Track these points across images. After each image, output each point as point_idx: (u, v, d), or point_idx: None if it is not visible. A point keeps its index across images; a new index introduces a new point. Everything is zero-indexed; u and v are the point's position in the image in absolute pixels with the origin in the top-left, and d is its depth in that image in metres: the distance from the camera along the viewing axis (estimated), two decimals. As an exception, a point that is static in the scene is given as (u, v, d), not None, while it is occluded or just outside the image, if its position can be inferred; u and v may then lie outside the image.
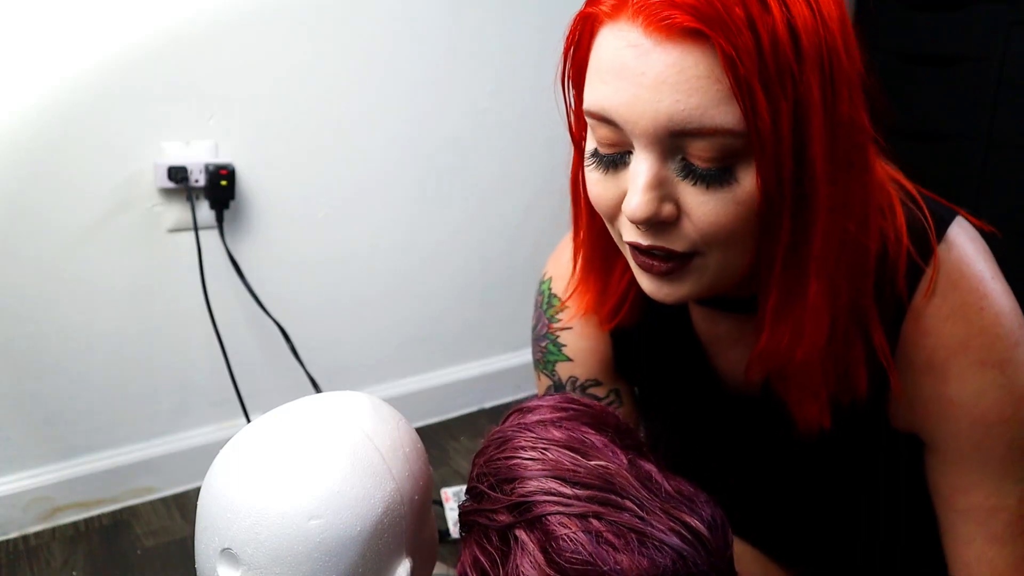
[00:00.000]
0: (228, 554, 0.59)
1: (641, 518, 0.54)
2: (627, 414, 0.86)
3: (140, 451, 1.56)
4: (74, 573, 1.37)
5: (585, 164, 0.63)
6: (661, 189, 0.57)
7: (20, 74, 1.30)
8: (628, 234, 0.62)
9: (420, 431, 0.68)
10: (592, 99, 0.59)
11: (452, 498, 1.54)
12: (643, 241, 0.60)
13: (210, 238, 1.51)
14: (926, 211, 0.67)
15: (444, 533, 1.47)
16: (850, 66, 0.56)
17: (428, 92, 1.70)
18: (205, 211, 1.49)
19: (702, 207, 0.57)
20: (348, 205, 1.67)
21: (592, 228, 0.72)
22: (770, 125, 0.53)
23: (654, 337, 0.80)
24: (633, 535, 0.54)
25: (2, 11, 1.26)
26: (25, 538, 1.45)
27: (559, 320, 0.84)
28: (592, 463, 0.57)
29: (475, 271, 1.87)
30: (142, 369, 1.52)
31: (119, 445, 1.54)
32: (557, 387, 0.86)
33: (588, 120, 0.61)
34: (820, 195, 0.56)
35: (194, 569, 0.63)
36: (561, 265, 0.84)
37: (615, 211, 0.62)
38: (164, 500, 1.57)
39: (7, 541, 1.44)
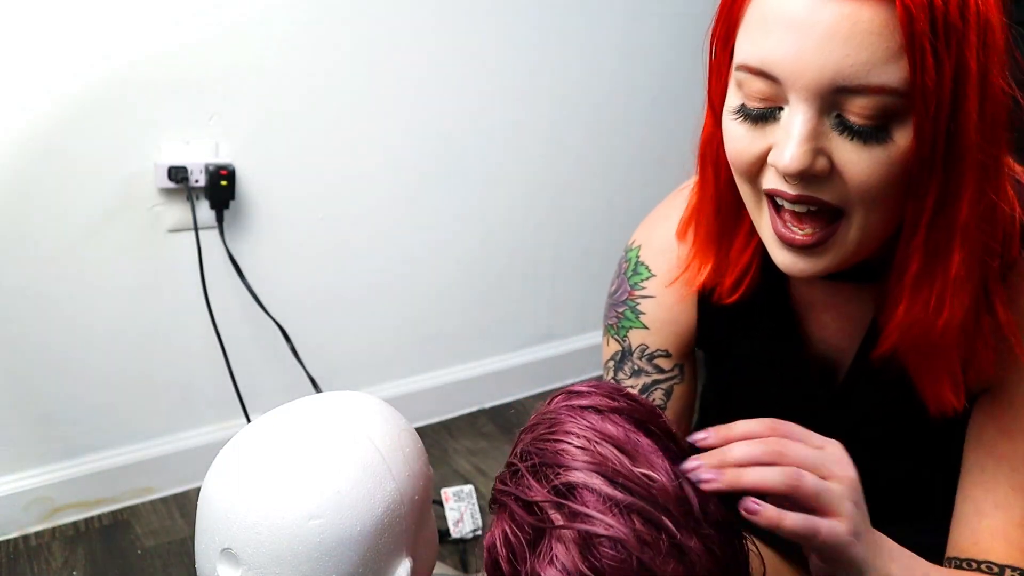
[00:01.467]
0: (228, 554, 0.59)
1: (674, 536, 0.55)
2: (685, 392, 0.86)
3: (140, 451, 1.56)
4: (74, 573, 1.37)
5: (727, 119, 0.63)
6: (816, 142, 0.57)
7: (21, 75, 1.30)
8: (770, 181, 0.61)
9: (420, 431, 0.68)
10: (751, 52, 0.59)
11: (452, 498, 1.54)
12: (790, 191, 0.60)
13: (210, 238, 1.51)
14: None
15: (444, 533, 1.47)
16: (1001, 34, 0.57)
17: (428, 92, 1.70)
18: (205, 211, 1.49)
19: (856, 164, 0.57)
20: (348, 205, 1.67)
21: (716, 197, 0.72)
22: (934, 84, 0.54)
23: (749, 304, 0.79)
24: (668, 546, 0.54)
25: (2, 12, 1.26)
26: (25, 538, 1.45)
27: (643, 288, 0.84)
28: (638, 471, 0.56)
29: (475, 271, 1.87)
30: (142, 369, 1.52)
31: (119, 445, 1.54)
32: (624, 353, 0.86)
33: (739, 76, 0.61)
34: (969, 160, 0.57)
35: (194, 569, 0.63)
36: (652, 235, 0.84)
37: (757, 167, 0.62)
38: (164, 500, 1.57)
39: (7, 541, 1.44)
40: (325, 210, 1.64)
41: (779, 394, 0.82)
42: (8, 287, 1.37)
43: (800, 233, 0.61)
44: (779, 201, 0.62)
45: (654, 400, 0.84)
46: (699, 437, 0.60)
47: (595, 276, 1.99)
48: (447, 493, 1.54)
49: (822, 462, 0.58)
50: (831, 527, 0.56)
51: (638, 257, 0.85)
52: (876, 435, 0.77)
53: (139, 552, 1.43)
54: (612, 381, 0.87)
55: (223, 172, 1.47)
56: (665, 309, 0.83)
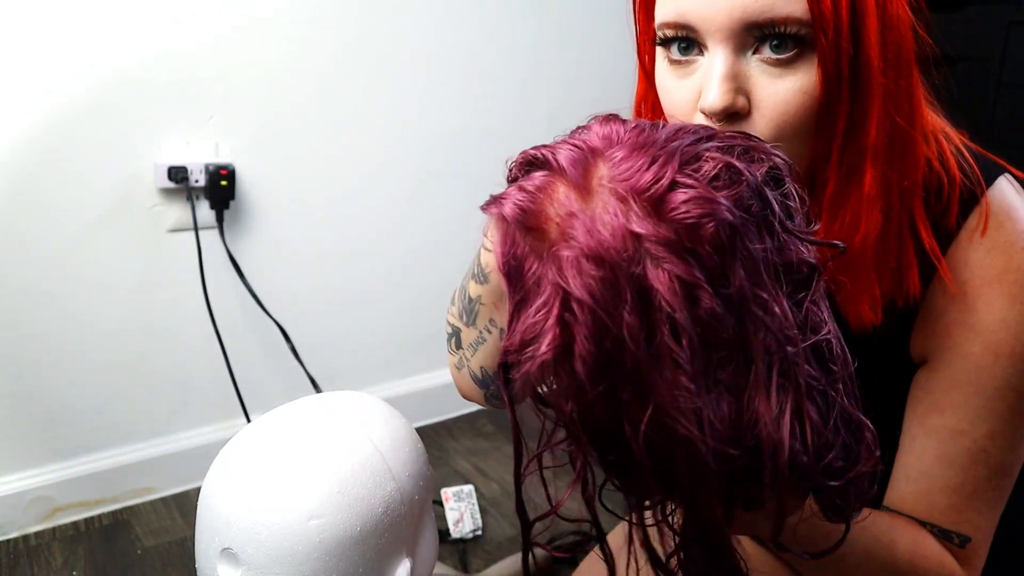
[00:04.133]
0: (228, 554, 0.59)
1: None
2: None
3: (140, 451, 1.56)
4: (74, 573, 1.37)
5: (659, 77, 0.68)
6: (735, 81, 0.62)
7: (21, 75, 1.30)
8: None
9: (420, 431, 0.68)
10: (668, 10, 0.64)
11: (452, 498, 1.54)
12: None
13: (210, 238, 1.51)
14: (971, 161, 0.71)
15: (444, 533, 1.47)
16: None
17: (427, 91, 1.70)
18: (205, 211, 1.49)
19: (773, 97, 0.62)
20: (348, 205, 1.67)
21: None
22: (831, 11, 0.58)
23: None
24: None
25: (4, 13, 1.26)
26: (25, 538, 1.45)
27: None
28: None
29: (475, 271, 1.87)
30: (142, 369, 1.52)
31: (119, 445, 1.54)
32: None
33: (661, 34, 0.66)
34: (874, 85, 0.61)
35: (194, 569, 0.63)
36: None
37: (690, 114, 0.66)
38: (164, 500, 1.57)
39: (7, 541, 1.44)
40: (325, 210, 1.64)
41: None
42: (8, 287, 1.37)
43: None
44: None
45: None
46: None
47: (595, 276, 1.99)
48: (447, 493, 1.54)
49: None
50: None
51: None
52: None
53: (139, 552, 1.43)
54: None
55: (223, 172, 1.47)
56: None
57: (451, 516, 1.51)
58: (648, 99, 0.74)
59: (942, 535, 0.71)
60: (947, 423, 0.71)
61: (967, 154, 0.71)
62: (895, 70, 0.62)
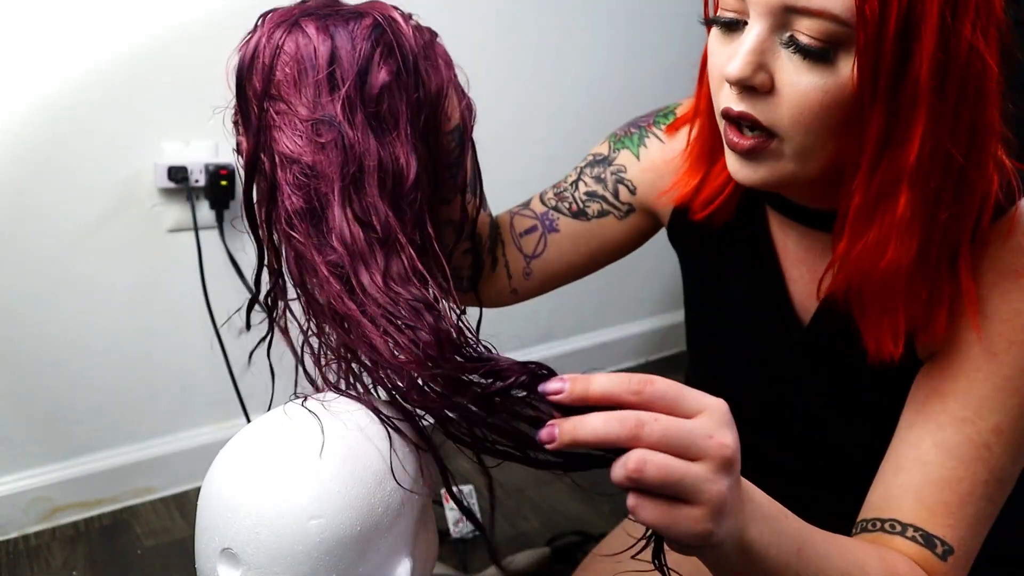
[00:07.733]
0: (228, 554, 0.59)
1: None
2: (605, 232, 0.94)
3: (140, 451, 1.56)
4: (74, 573, 1.37)
5: (709, 43, 0.69)
6: (761, 56, 0.62)
7: (20, 74, 1.30)
8: (725, 99, 0.66)
9: (420, 431, 0.69)
10: None
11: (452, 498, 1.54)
12: (734, 106, 0.64)
13: (210, 238, 1.51)
14: (1011, 171, 0.69)
15: (444, 533, 1.47)
16: (985, 4, 0.58)
17: (428, 92, 1.70)
18: (205, 211, 1.49)
19: (794, 85, 0.61)
20: (348, 205, 1.66)
21: (706, 114, 0.77)
22: (876, 16, 0.56)
23: (734, 243, 0.83)
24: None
25: (2, 10, 1.26)
26: (25, 538, 1.45)
27: (661, 128, 0.89)
28: None
29: (475, 271, 1.87)
30: (142, 369, 1.52)
31: (119, 445, 1.54)
32: (606, 160, 0.93)
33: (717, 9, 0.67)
34: (921, 104, 0.58)
35: (194, 569, 0.63)
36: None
37: (722, 79, 0.66)
38: (164, 500, 1.57)
39: (7, 541, 1.44)
40: (325, 210, 1.64)
41: (752, 335, 0.84)
42: (8, 287, 1.37)
43: (742, 140, 0.66)
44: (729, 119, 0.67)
45: (588, 209, 0.93)
46: (553, 388, 0.53)
47: (595, 276, 1.98)
48: (447, 493, 1.54)
49: (690, 439, 0.49)
50: (688, 519, 0.49)
51: (675, 109, 0.90)
52: (833, 384, 0.78)
53: (139, 552, 1.43)
54: (578, 169, 0.96)
55: (223, 172, 1.47)
56: (663, 161, 0.87)
57: (451, 516, 1.51)
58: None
59: (925, 542, 0.64)
60: (949, 408, 0.67)
61: (1008, 165, 0.69)
62: (958, 94, 0.59)
